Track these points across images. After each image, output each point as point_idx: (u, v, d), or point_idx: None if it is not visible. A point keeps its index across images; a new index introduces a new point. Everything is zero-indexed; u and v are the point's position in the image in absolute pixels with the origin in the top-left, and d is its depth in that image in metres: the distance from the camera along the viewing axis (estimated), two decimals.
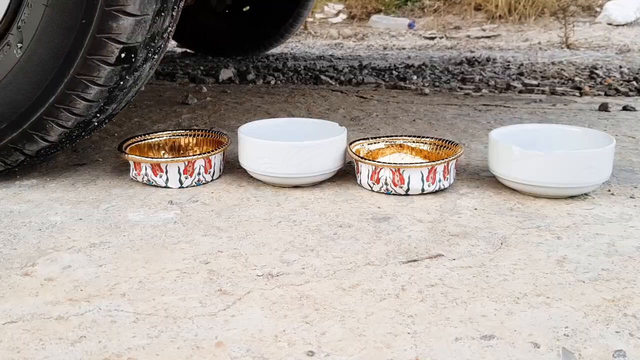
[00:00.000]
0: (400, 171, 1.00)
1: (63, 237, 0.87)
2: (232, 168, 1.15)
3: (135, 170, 1.05)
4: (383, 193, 1.03)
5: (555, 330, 0.64)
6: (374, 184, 1.02)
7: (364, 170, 1.03)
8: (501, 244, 0.85)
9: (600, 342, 0.62)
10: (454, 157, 1.02)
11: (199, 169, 1.05)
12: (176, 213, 0.95)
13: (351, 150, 1.07)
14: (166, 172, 1.03)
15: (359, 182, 1.06)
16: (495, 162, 1.03)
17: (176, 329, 0.65)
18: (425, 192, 1.01)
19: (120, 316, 0.67)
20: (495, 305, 0.69)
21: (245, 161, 1.06)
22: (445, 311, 0.68)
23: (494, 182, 1.07)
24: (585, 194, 1.02)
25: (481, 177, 1.12)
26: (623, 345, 0.62)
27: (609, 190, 1.04)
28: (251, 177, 1.09)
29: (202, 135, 1.18)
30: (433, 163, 1.00)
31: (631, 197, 1.01)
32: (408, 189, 1.01)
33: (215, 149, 1.08)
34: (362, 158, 1.03)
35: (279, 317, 0.67)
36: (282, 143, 1.01)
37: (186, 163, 1.03)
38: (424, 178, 1.00)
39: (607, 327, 0.65)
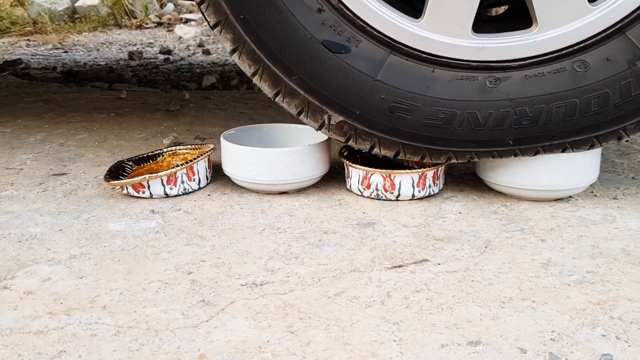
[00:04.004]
0: (392, 177, 0.99)
1: (43, 249, 0.85)
2: (215, 175, 1.14)
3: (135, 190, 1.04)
4: (374, 198, 1.02)
5: (542, 335, 0.64)
6: (364, 189, 1.02)
7: (355, 175, 1.03)
8: (485, 247, 0.85)
9: (587, 346, 0.62)
10: (444, 164, 1.02)
11: (182, 177, 1.04)
12: (158, 222, 0.94)
13: (342, 155, 1.06)
14: (149, 188, 1.02)
15: (348, 187, 1.05)
16: (481, 166, 1.03)
17: (158, 342, 0.64)
18: (415, 198, 1.01)
19: (101, 329, 0.66)
20: (480, 310, 0.69)
21: (229, 168, 1.05)
22: (430, 317, 0.68)
23: (478, 185, 1.07)
24: (569, 196, 1.02)
25: (465, 180, 1.11)
26: (610, 349, 0.62)
27: (592, 192, 1.04)
28: (235, 184, 1.08)
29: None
30: (424, 169, 0.99)
31: (614, 199, 1.02)
32: (399, 195, 1.00)
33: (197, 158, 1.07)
34: (353, 163, 1.02)
35: (263, 328, 0.66)
36: (267, 150, 1.01)
37: (165, 178, 1.02)
38: (415, 184, 0.99)
39: (593, 330, 0.65)
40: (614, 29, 0.90)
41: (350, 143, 0.97)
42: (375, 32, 0.92)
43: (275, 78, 0.94)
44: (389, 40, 0.92)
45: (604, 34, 0.91)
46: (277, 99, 0.96)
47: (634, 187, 1.07)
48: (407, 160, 1.07)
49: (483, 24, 0.96)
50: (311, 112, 0.96)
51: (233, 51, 0.93)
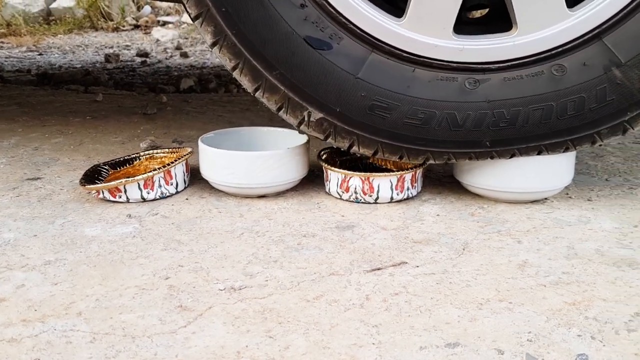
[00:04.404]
0: (370, 180, 1.00)
1: (17, 255, 0.84)
2: (193, 179, 1.13)
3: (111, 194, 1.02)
4: (352, 201, 1.02)
5: (519, 336, 0.65)
6: (343, 192, 1.02)
7: (334, 179, 1.03)
8: (463, 249, 0.85)
9: (563, 347, 0.63)
10: (421, 166, 1.02)
11: (159, 181, 1.03)
12: (135, 227, 0.93)
13: (321, 158, 1.06)
14: (125, 192, 1.01)
15: (327, 190, 1.05)
16: (458, 169, 1.04)
17: (135, 349, 0.63)
18: (394, 200, 1.01)
19: (76, 336, 0.65)
20: (458, 312, 0.69)
21: (208, 172, 1.04)
22: (409, 319, 0.68)
23: (455, 188, 1.08)
24: (545, 198, 1.03)
25: (443, 182, 1.12)
26: (585, 349, 0.62)
27: (567, 194, 1.06)
28: (213, 188, 1.07)
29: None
30: (402, 172, 1.00)
31: (589, 200, 1.03)
32: (377, 198, 1.00)
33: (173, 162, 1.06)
34: (331, 166, 1.02)
35: (241, 332, 0.66)
36: (246, 153, 1.00)
37: (142, 182, 1.01)
38: (393, 187, 1.00)
39: (569, 330, 0.66)
40: (591, 34, 0.92)
41: (330, 141, 0.97)
42: (357, 30, 0.92)
43: (256, 73, 0.94)
44: (371, 39, 0.92)
45: (581, 39, 0.92)
46: (257, 94, 0.95)
47: (607, 188, 1.09)
48: (385, 159, 1.07)
49: (464, 25, 0.97)
50: (291, 108, 0.95)
51: (214, 44, 0.93)
